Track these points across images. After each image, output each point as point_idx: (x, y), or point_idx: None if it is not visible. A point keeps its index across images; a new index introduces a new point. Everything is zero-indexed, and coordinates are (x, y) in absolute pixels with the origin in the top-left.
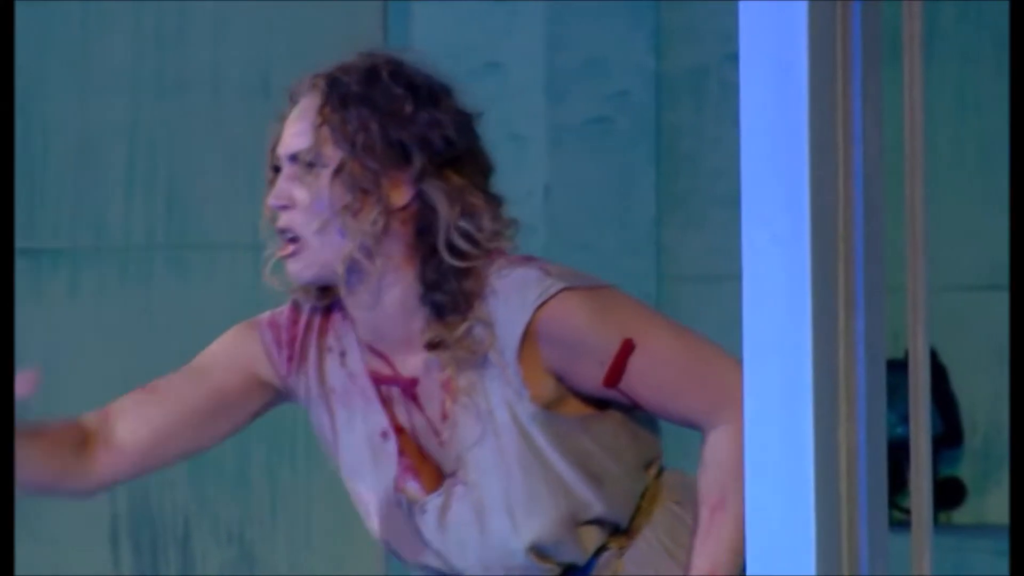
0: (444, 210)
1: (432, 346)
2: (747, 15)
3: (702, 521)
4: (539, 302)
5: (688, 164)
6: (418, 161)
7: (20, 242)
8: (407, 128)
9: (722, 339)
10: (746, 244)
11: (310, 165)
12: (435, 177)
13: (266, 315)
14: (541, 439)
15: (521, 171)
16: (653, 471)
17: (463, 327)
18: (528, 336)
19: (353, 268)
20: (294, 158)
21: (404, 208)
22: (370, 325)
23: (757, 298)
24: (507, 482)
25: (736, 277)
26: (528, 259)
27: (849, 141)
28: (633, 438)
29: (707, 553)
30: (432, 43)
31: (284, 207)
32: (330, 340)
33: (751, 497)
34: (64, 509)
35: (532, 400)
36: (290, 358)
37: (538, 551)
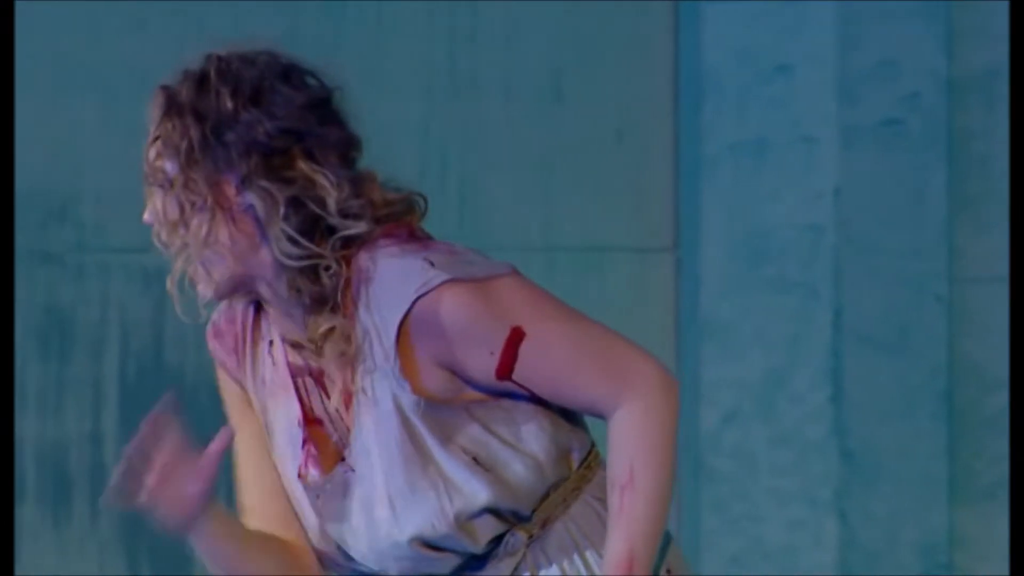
0: (264, 217)
1: (300, 345)
2: None
3: (614, 504)
4: (416, 295)
5: (980, 166)
6: (241, 164)
7: None
8: (232, 130)
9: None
10: None
11: (154, 183)
12: (263, 177)
13: (209, 327)
14: (423, 430)
15: (811, 173)
16: (573, 462)
17: (324, 327)
18: (406, 329)
19: (201, 281)
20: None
21: (246, 211)
22: (275, 318)
23: None
24: (389, 472)
25: None
26: (423, 243)
27: None
28: (541, 427)
29: (622, 534)
30: (722, 45)
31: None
32: (263, 329)
33: None
34: None
35: (414, 392)
36: (238, 362)
37: (422, 542)
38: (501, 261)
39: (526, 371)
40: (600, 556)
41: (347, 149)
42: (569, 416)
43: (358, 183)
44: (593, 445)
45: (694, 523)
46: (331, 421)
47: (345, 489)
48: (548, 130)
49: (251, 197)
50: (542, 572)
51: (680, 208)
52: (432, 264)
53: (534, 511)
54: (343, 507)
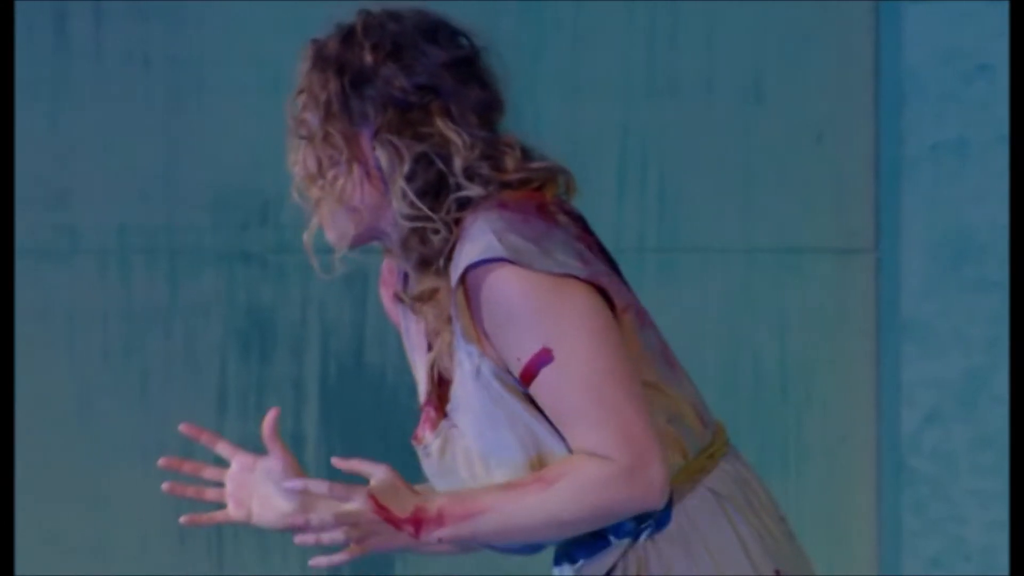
0: (388, 172)
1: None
2: None
3: (522, 479)
4: (467, 264)
5: None
6: (376, 119)
7: None
8: (371, 84)
9: None
10: None
11: (297, 135)
12: (394, 132)
13: (380, 277)
14: (505, 393)
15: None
16: (687, 451)
17: (427, 287)
18: (465, 296)
19: (334, 233)
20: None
21: (377, 166)
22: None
23: None
24: (478, 428)
25: None
26: (527, 216)
27: None
28: None
29: (495, 496)
30: (924, 45)
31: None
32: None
33: None
34: None
35: (485, 355)
36: (398, 313)
37: None
38: (592, 269)
39: (538, 391)
40: (710, 555)
41: (487, 111)
42: (680, 412)
43: (493, 146)
44: (716, 436)
45: (895, 524)
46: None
47: (450, 445)
48: (748, 131)
49: (379, 152)
50: (651, 561)
51: (880, 209)
52: (499, 240)
53: None
54: (451, 465)
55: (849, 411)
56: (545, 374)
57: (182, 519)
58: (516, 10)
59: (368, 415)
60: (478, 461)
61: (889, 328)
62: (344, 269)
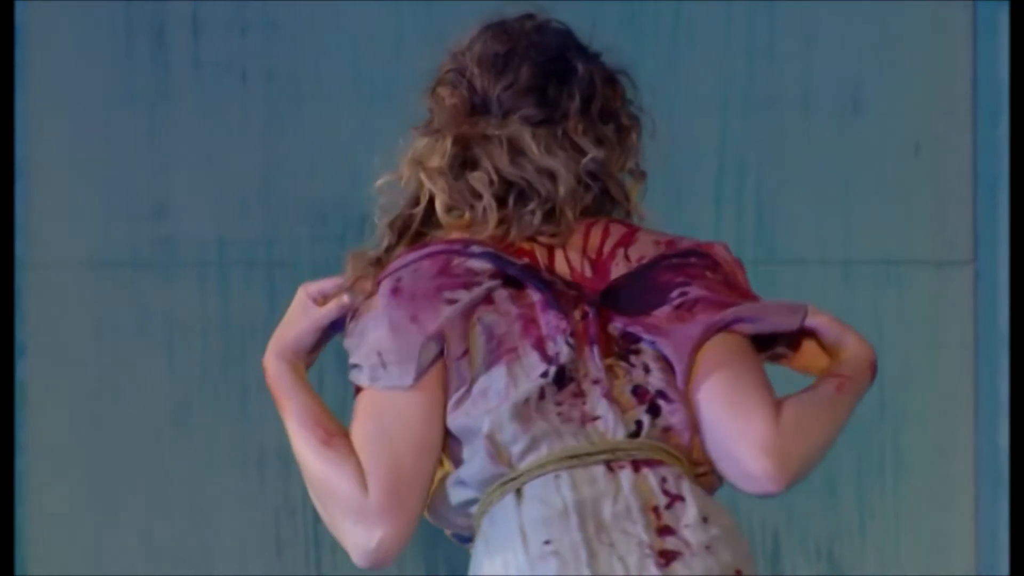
0: None
1: None
2: None
3: (323, 421)
4: None
5: None
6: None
7: None
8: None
9: None
10: None
11: None
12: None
13: None
14: None
15: None
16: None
17: None
18: None
19: None
20: None
21: None
22: None
23: None
24: None
25: None
26: (410, 250)
27: None
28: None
29: (294, 413)
30: None
31: None
32: None
33: None
34: None
35: None
36: None
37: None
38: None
39: None
40: None
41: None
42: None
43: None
44: (528, 468)
45: (994, 538)
46: None
47: None
48: (845, 143)
49: None
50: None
51: (979, 220)
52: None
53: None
54: None
55: (947, 424)
56: None
57: None
58: (614, 22)
59: None
60: None
61: (987, 340)
62: None
